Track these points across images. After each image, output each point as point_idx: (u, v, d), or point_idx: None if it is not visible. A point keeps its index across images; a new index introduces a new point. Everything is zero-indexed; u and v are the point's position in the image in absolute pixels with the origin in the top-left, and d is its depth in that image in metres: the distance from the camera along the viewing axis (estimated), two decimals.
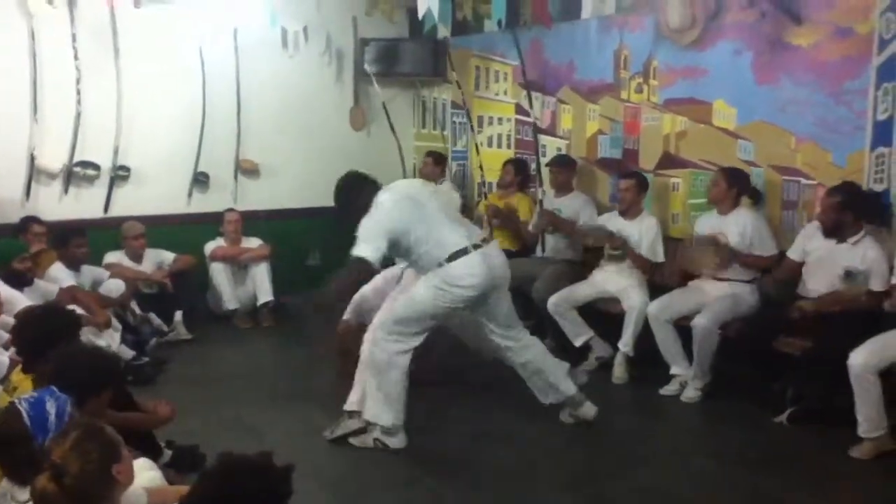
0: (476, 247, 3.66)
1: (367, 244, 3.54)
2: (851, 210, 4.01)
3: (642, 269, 4.88)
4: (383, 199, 3.67)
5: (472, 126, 6.46)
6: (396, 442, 3.75)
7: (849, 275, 3.98)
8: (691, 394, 4.40)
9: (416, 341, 3.73)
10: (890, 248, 4.00)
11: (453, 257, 3.60)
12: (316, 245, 6.93)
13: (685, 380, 4.48)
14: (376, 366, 3.71)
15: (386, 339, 3.70)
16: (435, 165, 6.51)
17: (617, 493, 3.37)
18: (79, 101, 5.74)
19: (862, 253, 3.97)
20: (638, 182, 5.01)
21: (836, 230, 4.06)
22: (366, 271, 3.70)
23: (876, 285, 3.91)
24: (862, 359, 3.56)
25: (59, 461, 1.92)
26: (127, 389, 3.29)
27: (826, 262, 4.09)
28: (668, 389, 4.53)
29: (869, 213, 4.07)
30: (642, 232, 4.91)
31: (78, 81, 5.72)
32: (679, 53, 5.11)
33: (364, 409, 3.79)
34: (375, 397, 3.72)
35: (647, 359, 4.65)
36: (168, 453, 3.32)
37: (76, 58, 5.69)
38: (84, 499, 1.94)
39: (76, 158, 5.81)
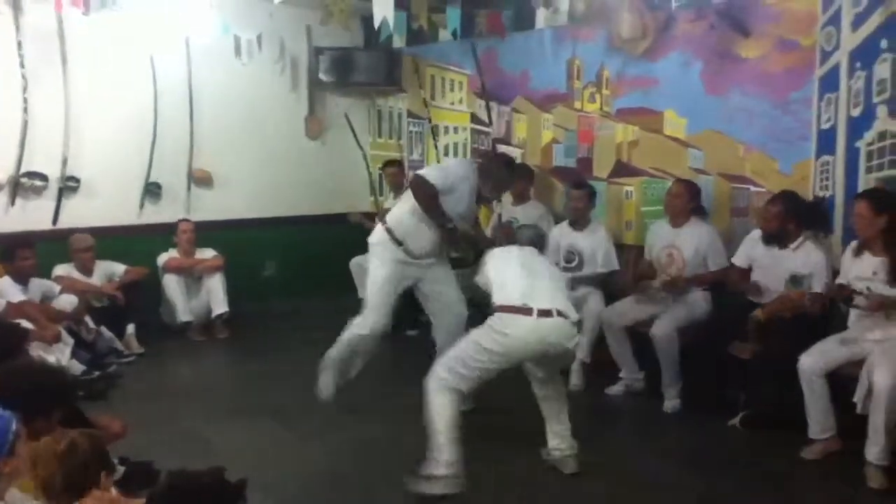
0: None
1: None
2: (794, 218, 4.12)
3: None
4: None
5: (434, 137, 6.38)
6: None
7: (794, 279, 4.08)
8: (672, 403, 4.38)
9: None
10: (832, 252, 4.13)
11: None
12: (271, 255, 6.89)
13: (631, 382, 4.60)
14: None
15: None
16: (401, 174, 6.48)
17: (563, 499, 3.38)
18: (25, 110, 5.60)
19: (804, 257, 4.08)
20: (589, 193, 5.08)
21: (778, 238, 4.16)
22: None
23: (819, 287, 4.00)
24: (810, 361, 3.65)
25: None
26: (77, 405, 3.21)
27: (772, 269, 4.18)
28: (613, 389, 4.65)
29: (809, 220, 4.19)
30: (595, 244, 4.97)
31: (24, 90, 5.57)
32: (631, 64, 5.20)
33: None
34: None
35: (604, 365, 4.70)
36: (121, 470, 3.25)
37: (22, 65, 5.55)
38: (78, 481, 2.09)
39: (23, 169, 5.66)
